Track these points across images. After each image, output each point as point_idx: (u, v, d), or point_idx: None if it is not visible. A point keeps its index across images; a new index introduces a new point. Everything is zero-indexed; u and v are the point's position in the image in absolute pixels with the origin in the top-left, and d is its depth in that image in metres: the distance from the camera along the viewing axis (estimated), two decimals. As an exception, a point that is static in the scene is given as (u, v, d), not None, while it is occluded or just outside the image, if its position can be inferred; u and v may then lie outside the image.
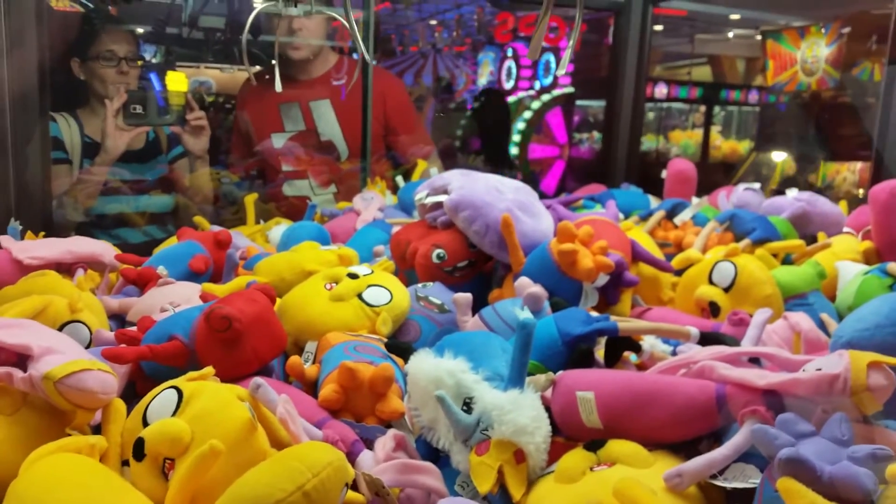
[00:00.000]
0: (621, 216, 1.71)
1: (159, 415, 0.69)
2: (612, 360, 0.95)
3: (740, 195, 1.77)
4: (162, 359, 0.86)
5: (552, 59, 4.70)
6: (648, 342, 1.00)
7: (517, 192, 1.35)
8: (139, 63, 2.00)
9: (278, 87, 1.44)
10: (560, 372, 0.83)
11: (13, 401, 0.72)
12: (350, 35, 1.45)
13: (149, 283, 1.17)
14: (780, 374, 0.71)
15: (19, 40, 1.54)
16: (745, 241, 1.44)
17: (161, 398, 0.70)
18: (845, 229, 1.62)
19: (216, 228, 1.46)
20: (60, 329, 0.94)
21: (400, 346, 0.98)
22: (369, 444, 0.79)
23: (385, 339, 1.03)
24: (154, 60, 2.37)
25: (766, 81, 4.09)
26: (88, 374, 0.70)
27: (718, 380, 0.73)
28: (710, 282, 1.23)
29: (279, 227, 1.66)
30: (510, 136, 4.33)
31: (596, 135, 4.98)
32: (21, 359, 0.73)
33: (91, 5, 2.04)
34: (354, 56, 2.40)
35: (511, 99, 4.74)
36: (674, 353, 0.97)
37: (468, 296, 1.09)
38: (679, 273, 1.34)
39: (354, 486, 0.70)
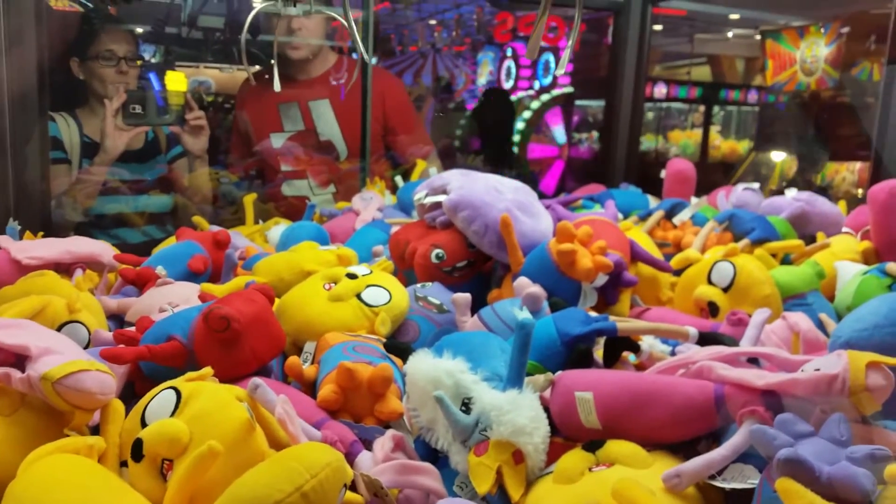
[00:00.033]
0: (620, 216, 1.71)
1: (158, 415, 0.69)
2: (611, 360, 0.95)
3: (739, 195, 1.77)
4: (160, 359, 0.86)
5: (551, 58, 4.70)
6: (647, 342, 1.00)
7: (516, 192, 1.35)
8: (138, 63, 1.99)
9: (277, 86, 1.44)
10: (559, 372, 0.82)
11: (11, 401, 0.72)
12: (349, 35, 1.45)
13: (147, 283, 1.17)
14: (778, 374, 0.71)
15: (18, 40, 1.54)
16: (744, 241, 1.44)
17: (159, 399, 0.70)
18: (844, 229, 1.62)
19: (215, 228, 1.46)
20: (59, 329, 0.94)
21: (399, 346, 0.98)
22: (368, 445, 0.79)
23: (384, 340, 1.03)
24: (153, 60, 2.37)
25: (765, 81, 4.10)
26: (87, 374, 0.70)
27: (717, 380, 0.73)
28: (709, 282, 1.23)
29: (278, 227, 1.66)
30: (513, 136, 4.33)
31: (595, 134, 4.98)
32: (19, 359, 0.72)
33: (90, 5, 2.04)
34: (354, 56, 2.40)
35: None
36: (672, 354, 0.97)
37: (467, 296, 1.09)
38: (678, 273, 1.34)
39: (353, 487, 0.70)
